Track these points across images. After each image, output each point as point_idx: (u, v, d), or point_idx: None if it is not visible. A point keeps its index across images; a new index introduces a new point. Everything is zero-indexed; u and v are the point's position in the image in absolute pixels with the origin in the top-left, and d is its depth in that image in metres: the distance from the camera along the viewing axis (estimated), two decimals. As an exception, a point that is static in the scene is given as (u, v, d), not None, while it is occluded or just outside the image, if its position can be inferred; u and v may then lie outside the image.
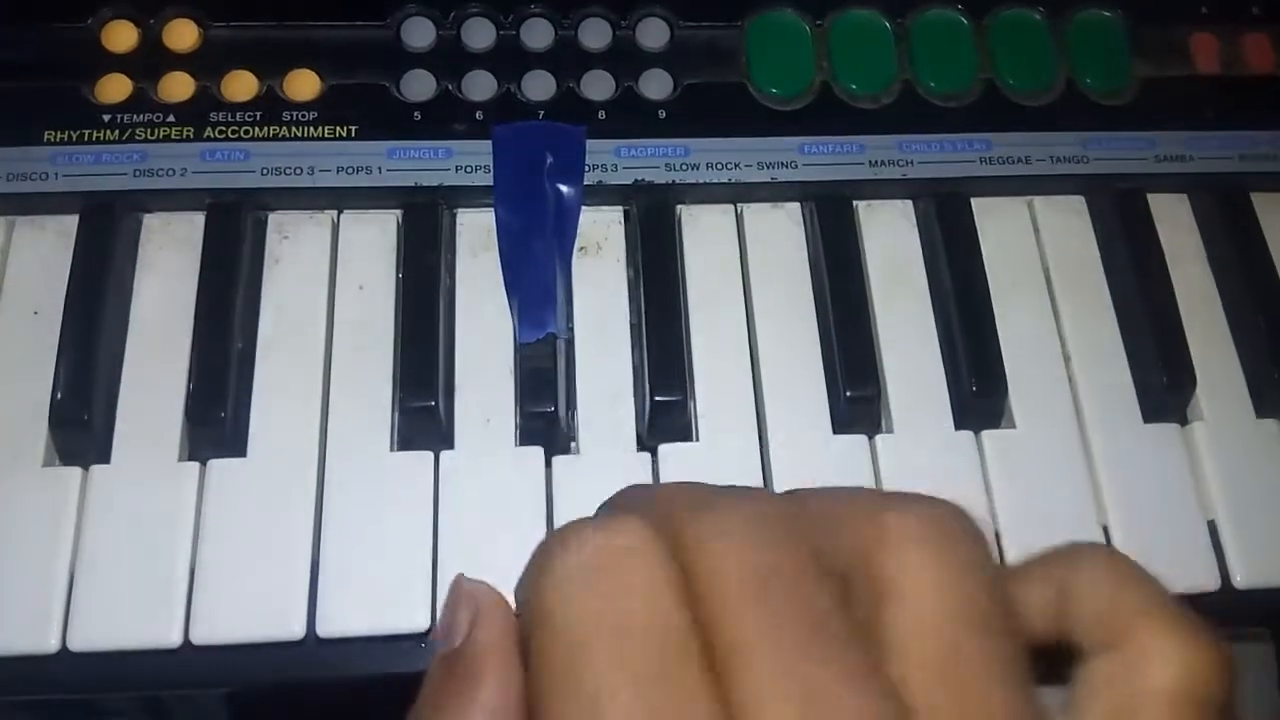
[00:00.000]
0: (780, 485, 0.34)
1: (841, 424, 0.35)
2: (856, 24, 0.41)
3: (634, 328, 0.36)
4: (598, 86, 0.39)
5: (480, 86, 0.39)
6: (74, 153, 0.37)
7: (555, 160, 0.38)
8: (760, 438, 0.35)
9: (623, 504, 0.21)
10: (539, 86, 0.39)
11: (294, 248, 0.37)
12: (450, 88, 0.39)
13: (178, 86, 0.38)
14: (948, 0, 0.42)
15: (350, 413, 0.34)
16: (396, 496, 0.33)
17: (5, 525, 0.32)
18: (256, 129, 0.38)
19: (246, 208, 0.37)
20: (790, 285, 0.38)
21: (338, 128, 0.38)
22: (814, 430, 0.35)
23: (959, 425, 0.36)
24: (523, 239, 0.37)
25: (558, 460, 0.34)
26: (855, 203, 0.39)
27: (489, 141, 0.38)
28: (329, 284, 0.36)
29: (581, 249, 0.38)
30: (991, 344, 0.36)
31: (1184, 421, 0.36)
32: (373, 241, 0.37)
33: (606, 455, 0.34)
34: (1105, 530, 0.34)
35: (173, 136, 0.37)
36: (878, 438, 0.35)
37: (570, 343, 0.36)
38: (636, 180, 0.38)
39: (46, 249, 0.36)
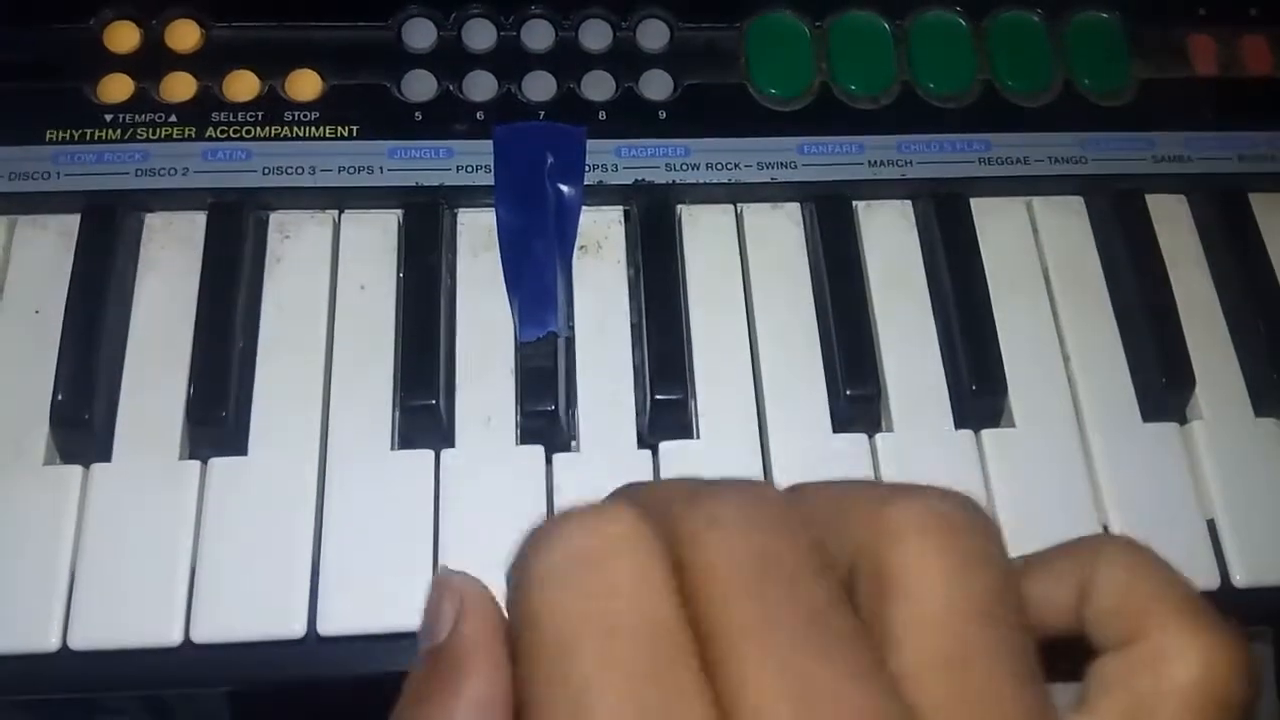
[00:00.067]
0: (780, 483, 0.34)
1: (841, 423, 0.35)
2: (856, 25, 0.41)
3: (634, 327, 0.36)
4: (598, 87, 0.40)
5: (481, 87, 0.39)
6: (76, 152, 0.37)
7: (556, 160, 0.38)
8: (760, 436, 0.35)
9: (620, 498, 0.21)
10: (539, 87, 0.39)
11: (295, 247, 0.37)
12: (451, 88, 0.39)
13: (179, 86, 0.38)
14: (946, 2, 0.42)
15: (351, 411, 0.34)
16: (397, 495, 0.33)
17: (6, 524, 0.32)
18: (258, 129, 0.38)
19: (248, 207, 0.37)
20: (790, 285, 0.38)
21: (339, 128, 0.38)
22: (814, 429, 0.35)
23: (959, 424, 0.36)
24: (523, 239, 0.37)
25: (558, 458, 0.34)
26: (855, 203, 0.39)
27: (490, 142, 0.38)
28: (330, 283, 0.36)
29: (582, 248, 0.38)
30: (991, 344, 0.36)
31: (1183, 421, 0.37)
32: (374, 241, 0.37)
33: (607, 453, 0.34)
34: (1105, 529, 0.34)
35: (174, 136, 0.37)
36: (877, 436, 0.35)
37: (571, 341, 0.36)
38: (637, 180, 0.38)
39: (48, 248, 0.36)
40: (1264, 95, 0.42)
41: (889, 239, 0.39)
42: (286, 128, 0.38)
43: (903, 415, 0.36)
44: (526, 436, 0.34)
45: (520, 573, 0.18)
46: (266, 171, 0.37)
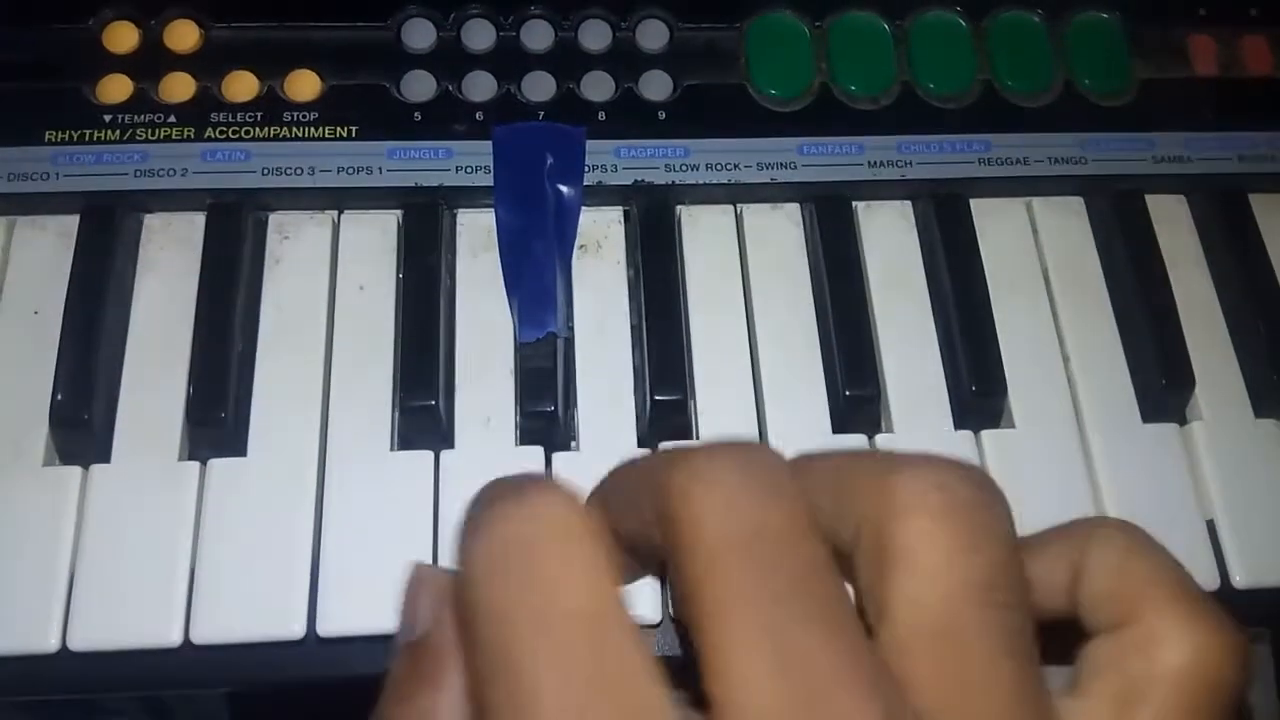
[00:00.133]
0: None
1: (841, 423, 0.35)
2: (855, 25, 0.41)
3: (634, 328, 0.36)
4: (598, 87, 0.40)
5: (480, 87, 0.39)
6: (75, 153, 0.37)
7: (555, 161, 0.38)
8: (760, 437, 0.35)
9: (611, 474, 0.21)
10: (539, 87, 0.39)
11: (294, 248, 0.37)
12: (450, 88, 0.39)
13: (178, 87, 0.38)
14: (946, 2, 0.42)
15: (350, 412, 0.34)
16: (397, 496, 0.33)
17: (5, 525, 0.32)
18: (257, 129, 0.38)
19: (247, 208, 0.37)
20: (790, 285, 0.38)
21: (338, 128, 0.38)
22: (814, 430, 0.35)
23: (958, 425, 0.36)
24: (523, 239, 0.37)
25: (558, 457, 0.34)
26: (854, 203, 0.39)
27: (489, 142, 0.38)
28: (329, 284, 0.36)
29: (581, 248, 0.38)
30: (991, 344, 0.36)
31: (1183, 421, 0.36)
32: (373, 242, 0.37)
33: (607, 453, 0.34)
34: (1104, 530, 0.34)
35: (173, 137, 0.37)
36: (877, 437, 0.35)
37: (570, 341, 0.36)
38: (636, 181, 0.38)
39: (47, 249, 0.36)
40: (1264, 95, 0.42)
41: (889, 239, 0.39)
42: (286, 128, 0.38)
43: (902, 416, 0.36)
44: (526, 437, 0.34)
45: (459, 562, 0.18)
46: (265, 172, 0.37)
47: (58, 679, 0.31)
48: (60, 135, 0.37)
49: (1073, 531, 0.20)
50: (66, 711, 0.34)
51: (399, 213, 0.38)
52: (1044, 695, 0.17)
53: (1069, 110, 0.41)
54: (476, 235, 0.38)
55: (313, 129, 0.38)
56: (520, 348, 0.35)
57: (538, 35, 0.40)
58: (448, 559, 0.32)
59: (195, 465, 0.33)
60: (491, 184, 0.38)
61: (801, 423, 0.35)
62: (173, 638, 0.31)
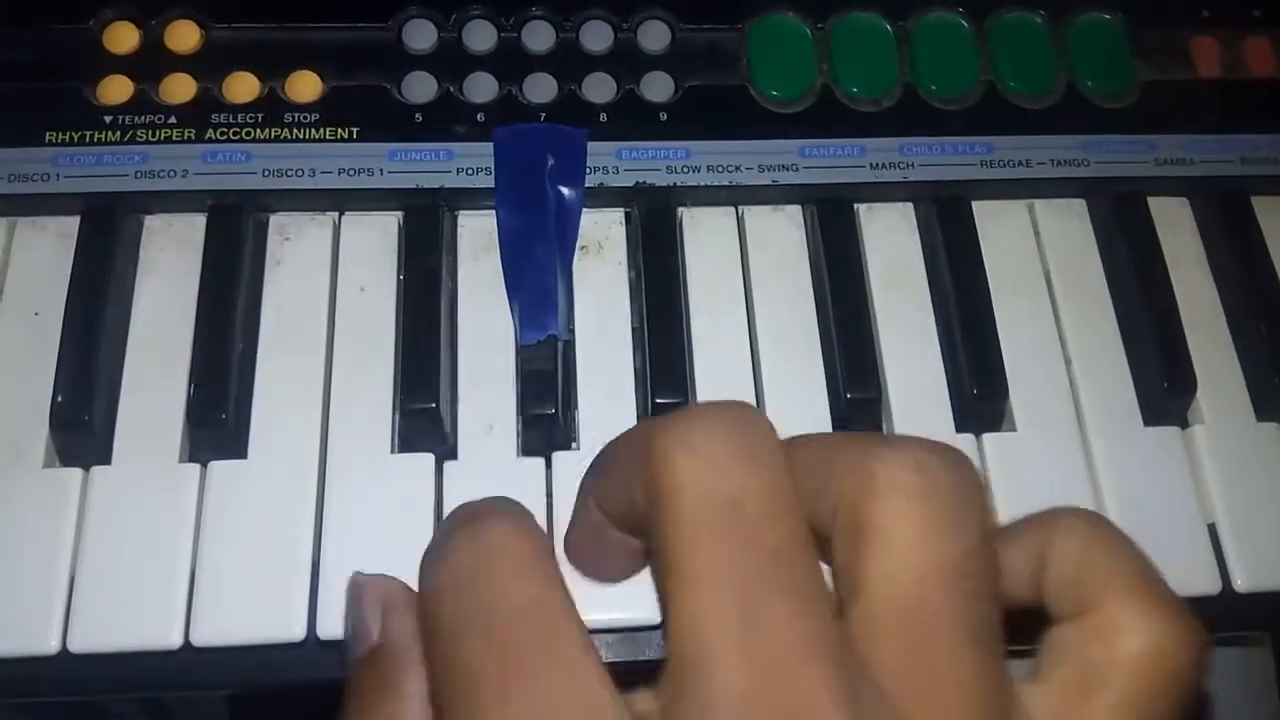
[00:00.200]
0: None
1: (842, 426, 0.35)
2: (857, 27, 0.41)
3: (635, 330, 0.36)
4: (599, 89, 0.40)
5: (481, 88, 0.39)
6: (75, 154, 0.37)
7: (556, 162, 0.38)
8: (761, 440, 0.35)
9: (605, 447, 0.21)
10: (540, 89, 0.39)
11: (295, 249, 0.37)
12: (451, 90, 0.39)
13: (179, 88, 0.38)
14: (948, 3, 0.42)
15: (351, 414, 0.34)
16: (397, 498, 0.33)
17: (5, 526, 0.32)
18: (258, 130, 0.38)
19: (248, 209, 0.37)
20: (791, 287, 0.38)
21: (339, 129, 0.38)
22: (814, 432, 0.35)
23: (960, 428, 0.36)
24: (524, 241, 0.37)
25: (558, 456, 0.34)
26: (856, 205, 0.39)
27: (490, 143, 0.38)
28: (330, 285, 0.36)
29: (583, 248, 0.38)
30: (992, 347, 0.36)
31: (1185, 425, 0.36)
32: (374, 243, 0.37)
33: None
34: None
35: (174, 138, 0.37)
36: (878, 440, 0.35)
37: (571, 343, 0.36)
38: (637, 182, 0.38)
39: (48, 250, 0.36)
40: (1267, 97, 0.42)
41: (890, 241, 0.39)
42: (286, 129, 0.38)
43: (903, 418, 0.36)
44: (528, 442, 0.34)
45: (422, 585, 0.19)
46: (266, 173, 0.37)
47: (58, 681, 0.31)
48: (61, 136, 0.37)
49: (1039, 521, 0.20)
50: (67, 713, 0.34)
51: (400, 214, 0.38)
52: (1006, 683, 0.18)
53: (1071, 112, 0.41)
54: (478, 238, 0.38)
55: (313, 130, 0.38)
56: (521, 350, 0.35)
57: (539, 36, 0.40)
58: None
59: (196, 467, 0.33)
60: (493, 186, 0.38)
61: (802, 425, 0.35)
62: (173, 640, 0.31)
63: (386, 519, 0.33)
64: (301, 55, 0.39)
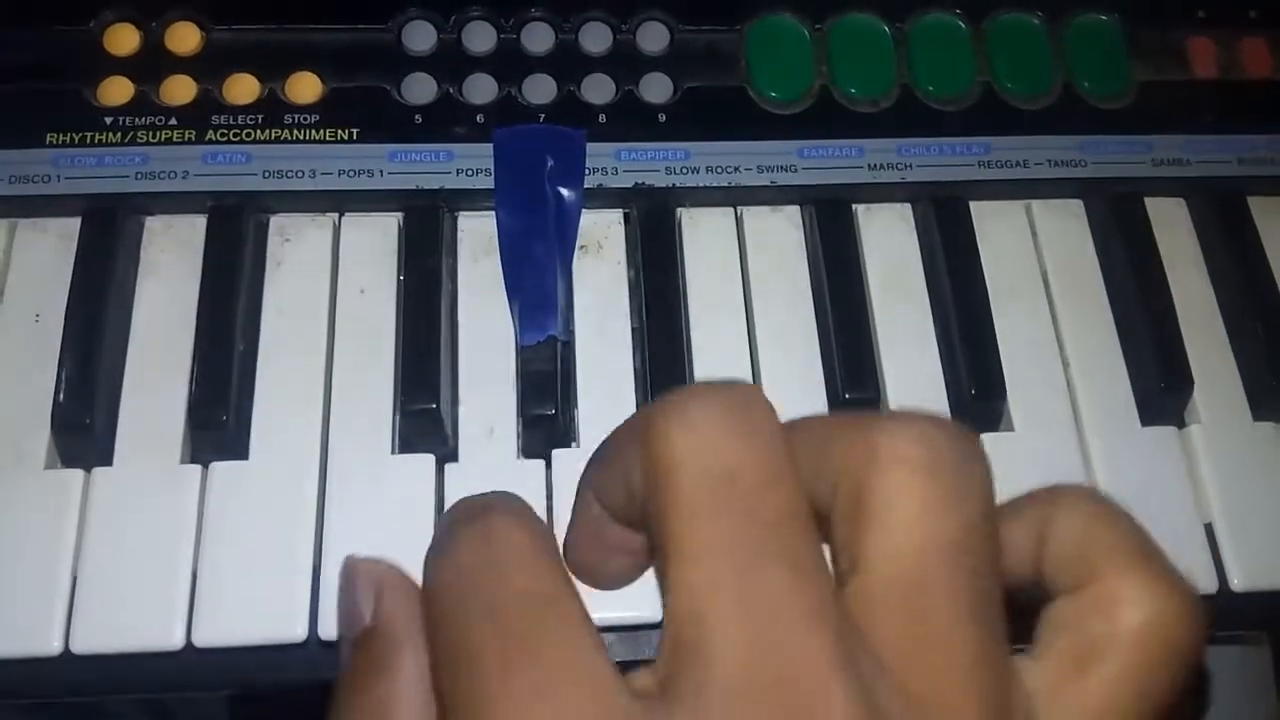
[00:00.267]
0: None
1: (841, 427, 0.35)
2: (855, 28, 0.41)
3: (635, 330, 0.36)
4: (598, 90, 0.40)
5: (481, 90, 0.39)
6: (76, 155, 0.37)
7: (556, 163, 0.38)
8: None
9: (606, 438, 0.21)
10: (540, 90, 0.39)
11: (295, 250, 0.37)
12: (451, 91, 0.39)
13: (179, 89, 0.38)
14: (946, 4, 0.42)
15: (351, 415, 0.34)
16: (397, 498, 0.33)
17: (7, 527, 0.32)
18: (258, 132, 0.38)
19: (248, 210, 0.37)
20: (789, 288, 0.38)
21: (339, 130, 0.38)
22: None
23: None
24: (523, 242, 0.37)
25: (558, 454, 0.34)
26: (854, 206, 0.39)
27: (490, 144, 0.38)
28: (330, 286, 0.37)
29: (582, 248, 0.38)
30: (990, 347, 0.37)
31: (1181, 425, 0.37)
32: (374, 244, 0.37)
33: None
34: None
35: (174, 139, 0.37)
36: (877, 440, 0.35)
37: (571, 343, 0.36)
38: (637, 183, 0.38)
39: (49, 251, 0.36)
40: (1263, 98, 0.42)
41: (888, 242, 0.39)
42: (286, 130, 0.38)
43: (902, 419, 0.36)
44: (528, 441, 0.35)
45: (425, 578, 0.19)
46: (266, 175, 0.37)
47: (60, 682, 0.31)
48: (61, 137, 0.37)
49: (1040, 497, 0.20)
50: (69, 714, 0.34)
51: (400, 215, 0.38)
52: (1006, 659, 0.17)
53: (1068, 113, 0.41)
54: (478, 240, 0.38)
55: (314, 131, 0.38)
56: (521, 351, 0.36)
57: (538, 38, 0.40)
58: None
59: (197, 468, 0.33)
60: (492, 186, 0.38)
61: (801, 425, 0.35)
62: (175, 640, 0.31)
63: (387, 520, 0.33)
64: (301, 57, 0.39)
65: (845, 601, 0.17)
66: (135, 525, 0.32)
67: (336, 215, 0.38)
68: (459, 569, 0.18)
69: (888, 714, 0.16)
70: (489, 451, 0.34)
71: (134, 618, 0.31)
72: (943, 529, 0.17)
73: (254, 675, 0.32)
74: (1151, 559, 0.19)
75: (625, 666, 0.17)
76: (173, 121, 0.38)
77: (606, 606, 0.30)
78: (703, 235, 0.38)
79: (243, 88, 0.38)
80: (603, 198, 0.38)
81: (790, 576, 0.16)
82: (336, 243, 0.37)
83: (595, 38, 0.40)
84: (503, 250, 0.37)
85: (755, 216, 0.39)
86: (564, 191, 0.38)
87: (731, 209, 0.39)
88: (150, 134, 0.37)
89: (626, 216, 0.39)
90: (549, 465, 0.34)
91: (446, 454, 0.34)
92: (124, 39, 0.39)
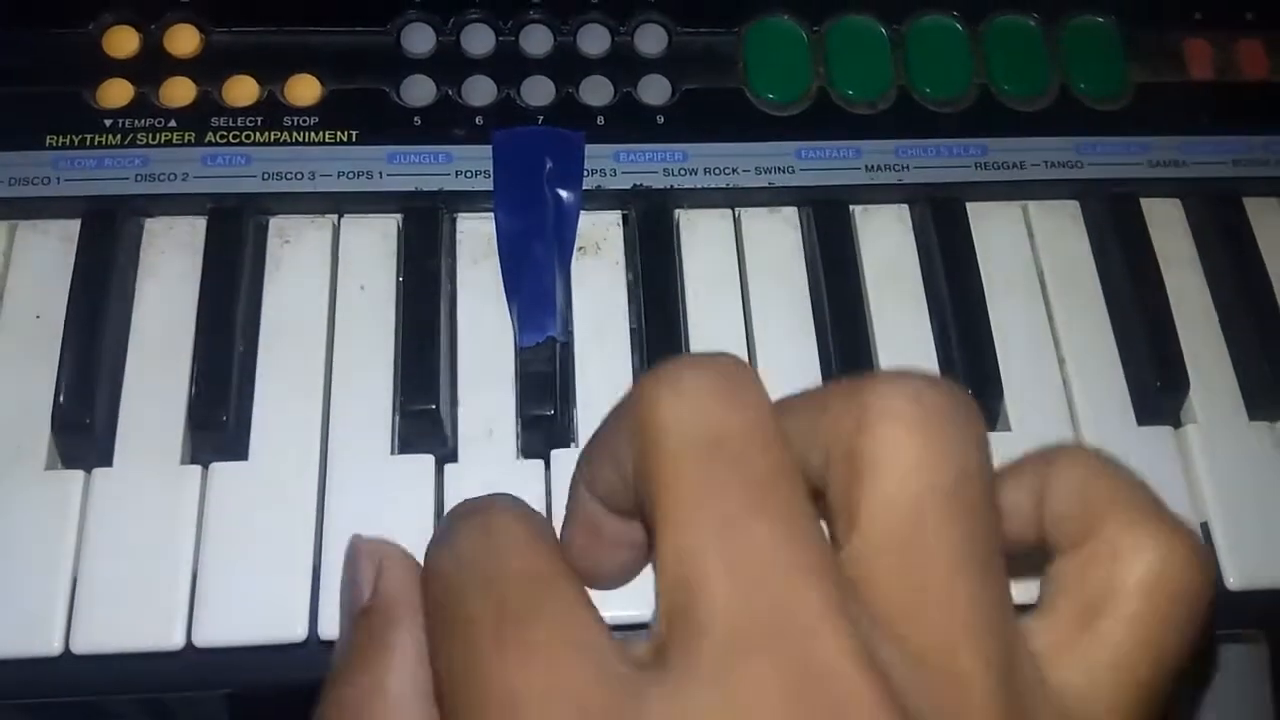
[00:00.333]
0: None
1: (838, 427, 0.35)
2: (853, 30, 0.41)
3: (633, 331, 0.37)
4: (596, 92, 0.40)
5: (480, 92, 0.39)
6: (76, 157, 0.37)
7: (554, 165, 0.38)
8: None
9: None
10: (538, 92, 0.40)
11: (295, 252, 0.37)
12: (450, 93, 0.39)
13: (179, 91, 0.38)
14: (943, 6, 0.42)
15: (351, 416, 0.34)
16: (397, 499, 0.33)
17: (7, 528, 0.32)
18: (257, 134, 0.38)
19: (248, 212, 0.37)
20: (787, 288, 0.38)
21: (338, 132, 0.38)
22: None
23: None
24: (522, 243, 0.37)
25: (556, 453, 0.34)
26: (852, 207, 0.39)
27: (489, 146, 0.38)
28: (330, 288, 0.37)
29: (580, 249, 0.38)
30: (986, 347, 0.37)
31: (1177, 424, 0.37)
32: (373, 246, 0.37)
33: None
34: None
35: (174, 141, 0.38)
36: (874, 440, 0.35)
37: (570, 344, 0.36)
38: (635, 185, 0.38)
39: (49, 253, 0.36)
40: (1259, 99, 0.42)
41: (886, 243, 0.39)
42: (286, 133, 0.38)
43: (899, 419, 0.36)
44: (527, 442, 0.35)
45: (426, 569, 0.19)
46: (266, 176, 0.37)
47: (60, 682, 0.31)
48: (61, 139, 0.37)
49: (1038, 457, 0.20)
50: (69, 714, 0.34)
51: (399, 217, 0.38)
52: (1006, 609, 0.17)
53: (1065, 114, 0.41)
54: (477, 242, 0.38)
55: (313, 133, 0.38)
56: (520, 352, 0.36)
57: (537, 40, 0.40)
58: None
59: (197, 469, 0.33)
60: (491, 188, 0.38)
61: (799, 426, 0.35)
62: (175, 640, 0.31)
63: (387, 520, 0.33)
64: (301, 59, 0.39)
65: (843, 565, 0.17)
66: (135, 525, 0.32)
67: (336, 217, 0.38)
68: (458, 555, 0.18)
69: (889, 666, 0.15)
70: (488, 452, 0.34)
71: (134, 618, 0.31)
72: (937, 480, 0.17)
73: (254, 675, 0.32)
74: (1153, 509, 0.18)
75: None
76: (172, 123, 0.38)
77: (605, 606, 0.30)
78: (701, 236, 0.39)
79: (242, 90, 0.39)
80: (601, 199, 0.38)
81: (780, 532, 0.16)
82: (336, 244, 0.38)
83: (593, 40, 0.41)
84: (502, 252, 0.37)
85: (753, 218, 0.39)
86: (563, 193, 0.38)
87: (729, 210, 0.39)
88: (150, 136, 0.38)
89: (625, 218, 0.39)
90: (548, 466, 0.34)
91: (446, 454, 0.34)
92: (123, 41, 0.39)
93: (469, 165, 0.38)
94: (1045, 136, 0.40)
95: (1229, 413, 0.37)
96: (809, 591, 0.15)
